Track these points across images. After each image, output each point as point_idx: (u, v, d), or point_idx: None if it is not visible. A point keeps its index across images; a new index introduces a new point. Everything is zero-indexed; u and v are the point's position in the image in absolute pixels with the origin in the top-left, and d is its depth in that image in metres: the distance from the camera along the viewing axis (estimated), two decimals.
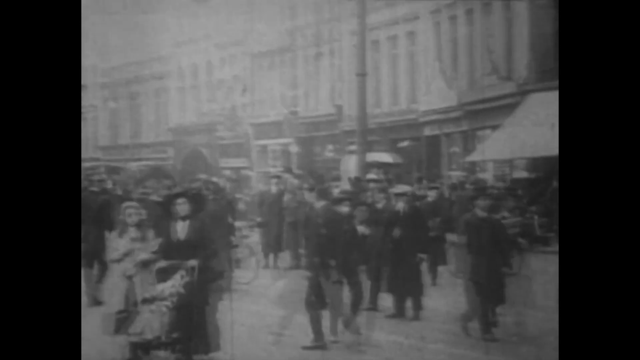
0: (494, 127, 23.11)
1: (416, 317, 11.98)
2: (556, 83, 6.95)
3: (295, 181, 17.33)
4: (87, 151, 40.50)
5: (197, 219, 9.91)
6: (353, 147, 27.08)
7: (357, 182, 16.30)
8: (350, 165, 22.88)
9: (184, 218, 9.78)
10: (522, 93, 22.36)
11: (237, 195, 18.73)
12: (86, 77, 36.59)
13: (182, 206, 9.74)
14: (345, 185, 17.85)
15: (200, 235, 9.78)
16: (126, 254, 9.50)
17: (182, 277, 9.41)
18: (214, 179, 18.70)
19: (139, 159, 37.15)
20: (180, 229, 9.77)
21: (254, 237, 16.93)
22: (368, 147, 24.97)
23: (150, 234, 10.16)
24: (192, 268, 9.47)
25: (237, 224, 16.17)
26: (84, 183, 13.60)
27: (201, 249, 9.71)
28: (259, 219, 17.03)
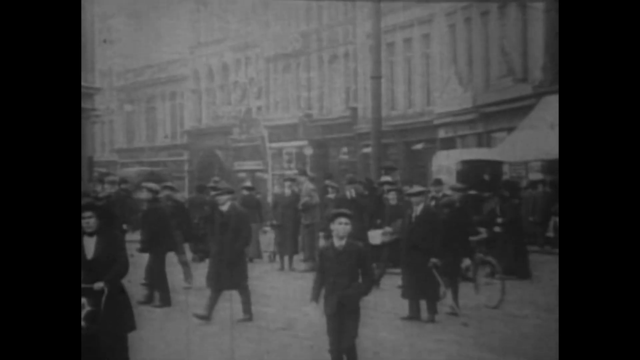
0: (510, 129, 23.01)
1: (431, 320, 11.94)
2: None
3: (311, 185, 17.29)
4: (104, 154, 40.74)
5: (107, 234, 8.66)
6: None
7: (369, 184, 16.23)
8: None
9: (91, 234, 8.53)
10: (538, 95, 22.25)
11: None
12: (102, 81, 36.80)
13: (88, 220, 8.49)
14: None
15: (110, 253, 8.52)
16: None
17: (82, 306, 7.94)
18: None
19: (141, 163, 37.33)
20: (88, 247, 8.49)
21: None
22: (383, 149, 24.93)
23: None
24: (99, 293, 8.15)
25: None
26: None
27: (107, 270, 8.35)
28: (274, 222, 17.02)
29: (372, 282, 8.31)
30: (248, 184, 19.83)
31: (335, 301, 8.15)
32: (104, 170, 25.78)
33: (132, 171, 28.08)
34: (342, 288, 8.14)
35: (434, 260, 11.76)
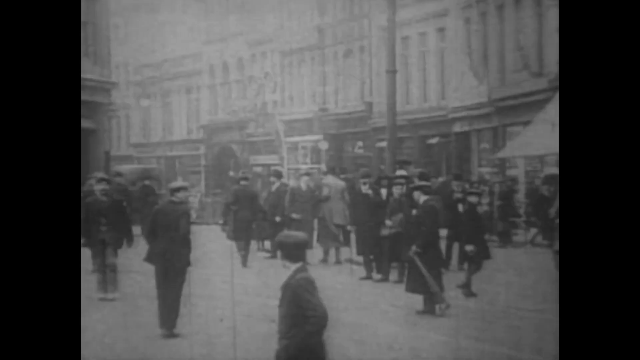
0: (525, 123, 22.89)
1: (432, 312, 11.82)
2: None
3: (340, 182, 17.20)
4: (120, 148, 40.92)
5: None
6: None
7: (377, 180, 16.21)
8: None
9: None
10: (553, 89, 22.08)
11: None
12: (118, 75, 36.96)
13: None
14: None
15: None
16: None
17: None
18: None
19: (157, 158, 37.52)
20: None
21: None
22: (398, 143, 24.86)
23: None
24: None
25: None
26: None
27: None
28: (294, 215, 17.00)
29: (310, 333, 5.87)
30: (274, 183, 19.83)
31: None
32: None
33: (125, 168, 28.27)
34: (282, 335, 5.94)
35: (414, 248, 11.75)
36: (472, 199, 13.51)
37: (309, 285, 5.79)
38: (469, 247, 12.87)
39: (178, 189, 10.52)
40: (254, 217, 16.37)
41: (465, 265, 13.36)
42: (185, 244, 10.36)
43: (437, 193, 14.91)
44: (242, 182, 16.67)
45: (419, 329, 10.98)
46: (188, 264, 10.39)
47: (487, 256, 13.29)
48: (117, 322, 10.89)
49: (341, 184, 16.84)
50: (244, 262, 16.14)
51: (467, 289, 12.98)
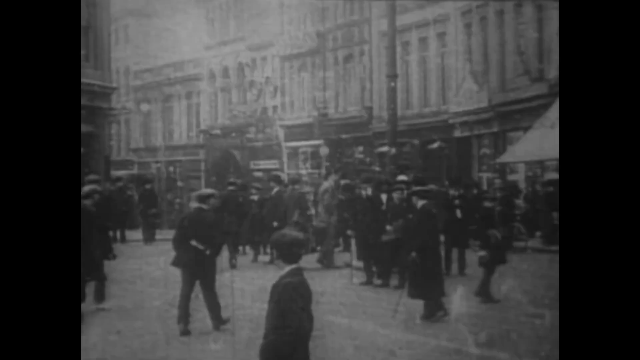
0: (526, 129, 22.90)
1: (430, 318, 11.79)
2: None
3: (326, 183, 17.31)
4: (120, 153, 40.94)
5: None
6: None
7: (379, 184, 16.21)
8: None
9: None
10: (554, 94, 22.11)
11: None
12: (119, 80, 36.98)
13: None
14: None
15: None
16: None
17: None
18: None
19: (157, 163, 37.53)
20: None
21: None
22: (398, 148, 24.85)
23: None
24: None
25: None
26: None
27: None
28: (294, 219, 17.10)
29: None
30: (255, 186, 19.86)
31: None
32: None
33: (119, 173, 28.52)
34: (266, 333, 5.61)
35: (413, 254, 11.73)
36: (488, 204, 13.52)
37: (295, 293, 5.48)
38: (482, 253, 12.84)
39: (208, 196, 10.67)
40: (241, 221, 16.92)
41: (481, 271, 13.25)
42: (217, 250, 10.59)
43: (436, 198, 14.89)
44: (230, 187, 17.24)
45: (420, 334, 10.96)
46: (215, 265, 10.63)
47: (503, 261, 13.26)
48: (112, 328, 10.87)
49: (325, 185, 16.94)
50: (234, 264, 16.54)
51: (485, 295, 12.95)
